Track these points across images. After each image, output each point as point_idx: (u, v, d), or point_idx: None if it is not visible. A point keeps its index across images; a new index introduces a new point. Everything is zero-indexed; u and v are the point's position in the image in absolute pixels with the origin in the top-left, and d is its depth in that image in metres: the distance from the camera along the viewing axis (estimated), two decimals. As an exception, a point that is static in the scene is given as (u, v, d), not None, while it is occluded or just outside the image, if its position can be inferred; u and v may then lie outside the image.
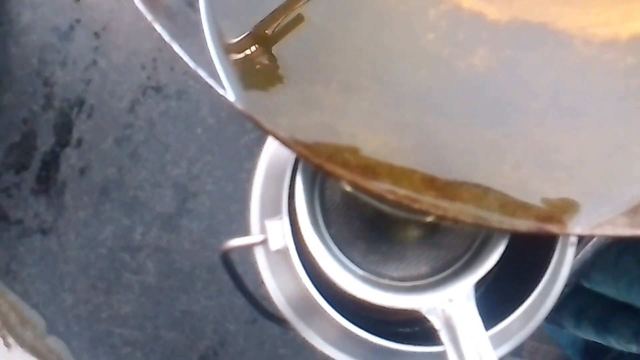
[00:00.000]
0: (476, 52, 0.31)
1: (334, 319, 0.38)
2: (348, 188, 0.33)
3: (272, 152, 0.45)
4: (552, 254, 0.39)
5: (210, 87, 0.29)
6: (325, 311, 0.38)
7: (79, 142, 0.96)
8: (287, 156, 0.41)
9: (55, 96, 0.97)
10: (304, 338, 0.43)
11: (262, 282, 0.44)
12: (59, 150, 0.96)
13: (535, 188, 0.30)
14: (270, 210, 0.44)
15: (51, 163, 0.96)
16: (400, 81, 0.31)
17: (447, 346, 0.34)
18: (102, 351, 0.92)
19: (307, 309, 0.43)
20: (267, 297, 0.44)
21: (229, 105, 0.29)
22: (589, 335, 0.59)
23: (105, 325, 0.93)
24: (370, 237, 0.41)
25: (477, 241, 0.39)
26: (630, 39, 0.31)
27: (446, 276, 0.38)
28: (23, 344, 0.84)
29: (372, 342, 0.39)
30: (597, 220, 0.29)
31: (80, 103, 0.97)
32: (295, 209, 0.37)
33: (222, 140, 0.95)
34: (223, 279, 0.90)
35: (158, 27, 0.28)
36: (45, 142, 0.97)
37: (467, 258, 0.39)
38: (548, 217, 0.29)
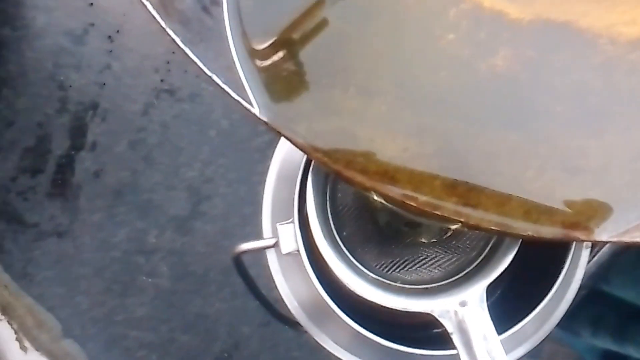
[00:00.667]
0: (498, 52, 0.30)
1: (345, 322, 0.38)
2: (369, 195, 0.33)
3: (283, 155, 0.45)
4: (566, 257, 0.39)
5: (227, 93, 0.28)
6: (337, 315, 0.38)
7: (94, 146, 0.97)
8: (299, 159, 0.41)
9: (69, 100, 0.98)
10: (316, 341, 0.43)
11: (275, 285, 0.44)
12: (74, 153, 0.97)
13: (560, 194, 0.29)
14: (282, 214, 0.44)
15: (66, 166, 0.97)
16: (420, 84, 0.30)
17: (459, 350, 0.34)
18: (117, 354, 0.92)
19: (319, 312, 0.43)
20: (280, 300, 0.44)
21: (247, 112, 0.29)
22: (607, 344, 0.58)
23: (120, 328, 0.93)
24: (383, 240, 0.41)
25: (490, 244, 0.38)
26: None
27: (459, 279, 0.38)
28: (39, 347, 0.85)
29: (384, 346, 0.38)
30: (624, 227, 0.28)
31: (95, 106, 0.97)
32: (306, 212, 0.37)
33: (235, 142, 0.95)
34: (237, 282, 0.89)
35: (171, 34, 0.28)
36: (60, 145, 0.97)
37: (479, 261, 0.38)
38: (574, 224, 0.29)
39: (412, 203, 0.29)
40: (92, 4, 1.01)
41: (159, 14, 0.28)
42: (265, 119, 0.29)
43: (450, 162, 0.29)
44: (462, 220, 0.29)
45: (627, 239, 0.29)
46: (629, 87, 0.30)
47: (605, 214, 0.29)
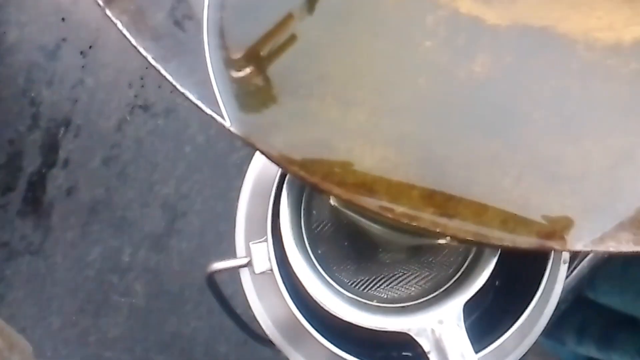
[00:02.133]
0: (476, 58, 0.30)
1: (320, 342, 0.37)
2: (343, 207, 0.32)
3: (258, 171, 0.44)
4: (544, 273, 0.38)
5: (200, 109, 0.28)
6: (311, 335, 0.37)
7: (66, 163, 0.95)
8: (273, 175, 0.40)
9: (41, 116, 0.96)
10: (293, 361, 0.42)
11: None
12: (46, 170, 0.95)
13: (537, 202, 0.29)
14: (256, 232, 0.43)
15: (38, 184, 0.95)
16: (399, 91, 0.30)
17: (437, 369, 0.33)
18: (90, 375, 0.90)
19: (294, 332, 0.42)
20: (256, 319, 0.44)
21: (221, 126, 0.28)
22: (591, 352, 0.58)
23: (94, 349, 0.91)
24: (359, 257, 0.40)
25: (467, 260, 0.38)
26: (634, 43, 0.30)
27: (436, 297, 0.37)
28: (10, 369, 0.82)
29: (361, 366, 0.38)
30: (600, 237, 0.28)
31: (67, 123, 0.96)
32: (280, 230, 0.37)
33: (211, 158, 0.94)
34: (213, 300, 0.88)
35: (143, 52, 0.27)
36: (31, 162, 0.96)
37: (457, 278, 0.38)
38: (550, 234, 0.28)
39: (389, 215, 0.28)
40: (64, 19, 0.99)
41: (129, 31, 0.27)
42: (239, 133, 0.29)
43: (429, 171, 0.29)
44: (438, 230, 0.29)
45: (602, 248, 0.28)
46: (606, 93, 0.30)
47: (581, 223, 0.29)
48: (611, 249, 0.28)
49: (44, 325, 0.92)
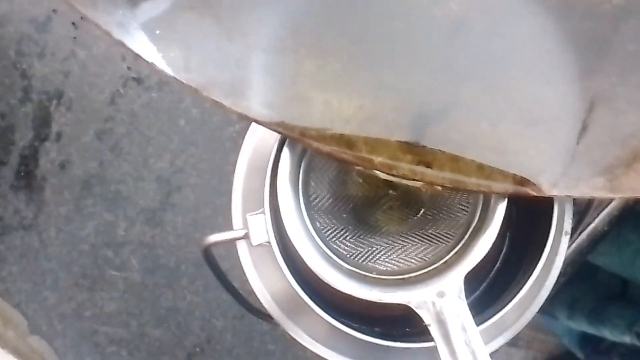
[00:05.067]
0: None
1: (320, 315, 0.37)
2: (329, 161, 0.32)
3: (254, 143, 0.44)
4: (545, 245, 0.38)
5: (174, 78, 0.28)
6: (310, 308, 0.37)
7: (59, 136, 0.94)
8: (270, 147, 0.39)
9: (33, 89, 0.95)
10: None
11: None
12: (38, 144, 0.94)
13: (513, 146, 0.29)
14: (253, 204, 0.42)
15: (30, 158, 0.94)
16: (374, 37, 0.29)
17: (437, 341, 0.33)
18: (86, 350, 0.90)
19: (292, 305, 0.41)
20: (254, 292, 0.43)
21: (194, 90, 0.28)
22: (583, 326, 0.59)
23: (89, 324, 0.91)
24: (358, 229, 0.40)
25: (468, 233, 0.37)
26: None
27: (436, 269, 0.37)
28: (5, 344, 0.82)
29: (360, 339, 0.37)
30: (575, 182, 0.28)
31: (59, 95, 0.95)
32: (278, 202, 0.36)
33: (206, 132, 0.93)
34: (209, 274, 0.87)
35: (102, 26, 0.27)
36: (23, 136, 0.94)
37: (457, 250, 0.37)
38: (524, 179, 0.28)
39: (367, 165, 0.28)
40: (55, -11, 0.97)
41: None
42: (216, 98, 0.28)
43: (407, 118, 0.29)
44: (417, 178, 0.29)
45: (576, 193, 0.29)
46: (587, 31, 0.28)
47: (556, 168, 0.28)
48: (586, 195, 0.29)
49: (38, 300, 0.91)
